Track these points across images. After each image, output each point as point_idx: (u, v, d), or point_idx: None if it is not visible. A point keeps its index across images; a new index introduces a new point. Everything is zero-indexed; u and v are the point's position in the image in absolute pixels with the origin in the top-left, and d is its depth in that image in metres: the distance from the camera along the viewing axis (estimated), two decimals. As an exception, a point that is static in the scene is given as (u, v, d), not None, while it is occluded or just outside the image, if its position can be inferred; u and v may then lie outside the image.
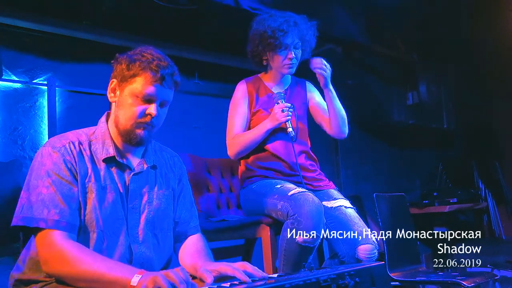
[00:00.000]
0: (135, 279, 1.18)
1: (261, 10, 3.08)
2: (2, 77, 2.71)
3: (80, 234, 1.35)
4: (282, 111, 2.13)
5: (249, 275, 1.29)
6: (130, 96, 1.40)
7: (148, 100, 1.39)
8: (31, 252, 1.39)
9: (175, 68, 1.44)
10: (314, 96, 2.44)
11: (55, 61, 2.96)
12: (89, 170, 1.39)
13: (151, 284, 1.13)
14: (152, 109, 1.39)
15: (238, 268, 1.31)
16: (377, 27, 4.06)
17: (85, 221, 1.36)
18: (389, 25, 4.21)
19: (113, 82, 1.44)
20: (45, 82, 2.88)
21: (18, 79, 2.80)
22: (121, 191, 1.43)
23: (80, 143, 1.42)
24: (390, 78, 4.51)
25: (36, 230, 1.30)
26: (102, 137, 1.46)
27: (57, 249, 1.27)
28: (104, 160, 1.43)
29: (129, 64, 1.39)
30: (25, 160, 2.76)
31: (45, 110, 2.86)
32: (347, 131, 2.36)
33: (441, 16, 4.19)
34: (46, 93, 2.87)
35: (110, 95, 1.46)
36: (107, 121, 1.50)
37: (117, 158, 1.44)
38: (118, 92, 1.44)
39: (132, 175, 1.46)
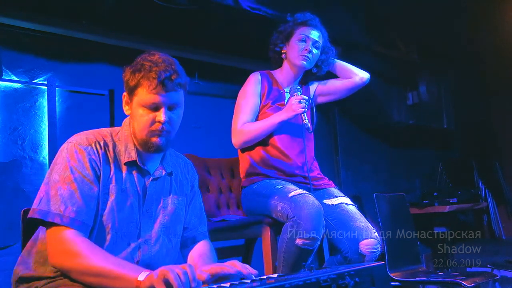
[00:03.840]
0: (142, 275, 1.19)
1: (260, 10, 3.08)
2: (2, 77, 2.72)
3: (94, 234, 1.36)
4: (300, 102, 2.12)
5: (239, 272, 1.30)
6: (138, 107, 1.40)
7: (154, 108, 1.39)
8: (39, 245, 1.40)
9: (178, 68, 1.42)
10: (319, 83, 2.44)
11: (55, 61, 2.96)
12: (112, 172, 1.41)
13: (161, 276, 1.14)
14: (160, 116, 1.39)
15: (229, 266, 1.32)
16: (377, 27, 4.06)
17: (102, 222, 1.37)
18: (389, 25, 4.21)
19: (125, 96, 1.46)
20: (45, 82, 2.88)
21: (18, 79, 2.80)
22: (140, 194, 1.46)
23: (105, 144, 1.43)
24: (390, 78, 4.51)
25: (50, 225, 1.31)
26: (125, 140, 1.47)
27: (67, 243, 1.28)
28: (126, 164, 1.44)
29: (131, 76, 1.40)
30: (25, 160, 2.76)
31: (45, 110, 2.86)
32: (365, 72, 2.40)
33: (441, 16, 4.19)
34: (46, 93, 2.87)
35: (125, 108, 1.48)
36: (130, 124, 1.50)
37: (138, 162, 1.45)
38: (130, 105, 1.45)
39: (151, 180, 1.48)
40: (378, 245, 2.01)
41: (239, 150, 2.32)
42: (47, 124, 2.85)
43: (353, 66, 2.41)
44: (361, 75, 2.38)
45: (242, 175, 2.29)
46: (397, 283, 2.40)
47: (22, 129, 2.79)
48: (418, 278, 2.43)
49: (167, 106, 1.40)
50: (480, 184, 4.92)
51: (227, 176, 2.63)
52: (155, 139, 1.42)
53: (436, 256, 4.44)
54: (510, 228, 4.84)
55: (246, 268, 1.31)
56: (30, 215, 1.33)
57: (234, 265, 1.32)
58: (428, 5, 3.98)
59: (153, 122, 1.40)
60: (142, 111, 1.40)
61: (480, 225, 5.07)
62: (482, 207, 4.83)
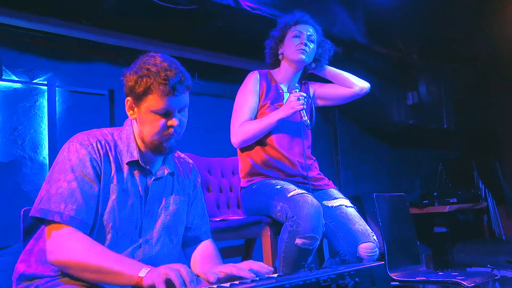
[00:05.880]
0: (143, 271, 1.19)
1: (261, 10, 3.08)
2: (2, 77, 2.72)
3: (94, 233, 1.36)
4: (298, 99, 2.11)
5: (255, 272, 1.30)
6: (148, 113, 1.40)
7: (166, 113, 1.40)
8: (41, 244, 1.40)
9: (183, 70, 1.43)
10: (318, 86, 2.43)
11: (55, 61, 2.96)
12: (113, 172, 1.41)
13: (163, 276, 1.14)
14: (173, 121, 1.41)
15: (243, 268, 1.32)
16: (377, 27, 4.06)
17: (102, 221, 1.37)
18: (389, 25, 4.21)
19: (128, 101, 1.44)
20: (45, 82, 2.88)
21: (18, 79, 2.80)
22: (141, 194, 1.45)
23: (106, 143, 1.43)
24: (390, 78, 4.51)
25: (50, 222, 1.31)
26: (127, 139, 1.47)
27: (65, 240, 1.29)
28: (128, 163, 1.44)
29: (137, 82, 1.38)
30: (25, 160, 2.76)
31: (45, 110, 2.86)
32: (365, 82, 2.38)
33: (441, 16, 4.19)
34: (46, 93, 2.87)
35: (129, 112, 1.47)
36: (132, 124, 1.50)
37: (140, 162, 1.45)
38: (136, 110, 1.44)
39: (153, 180, 1.48)
40: (376, 249, 2.01)
41: (238, 150, 2.32)
42: (47, 124, 2.85)
43: (353, 76, 2.39)
44: (361, 85, 2.36)
45: (241, 175, 2.29)
46: (397, 283, 2.41)
47: (22, 129, 2.79)
48: (418, 278, 2.43)
49: (178, 109, 1.43)
50: (480, 184, 4.93)
51: (227, 176, 2.63)
52: (167, 143, 1.43)
53: (436, 256, 4.44)
54: (510, 228, 4.84)
55: (263, 268, 1.32)
56: (31, 213, 1.33)
57: (250, 266, 1.32)
58: (428, 5, 3.99)
59: (166, 127, 1.41)
60: (154, 117, 1.40)
61: (480, 225, 5.07)
62: (482, 207, 4.83)
